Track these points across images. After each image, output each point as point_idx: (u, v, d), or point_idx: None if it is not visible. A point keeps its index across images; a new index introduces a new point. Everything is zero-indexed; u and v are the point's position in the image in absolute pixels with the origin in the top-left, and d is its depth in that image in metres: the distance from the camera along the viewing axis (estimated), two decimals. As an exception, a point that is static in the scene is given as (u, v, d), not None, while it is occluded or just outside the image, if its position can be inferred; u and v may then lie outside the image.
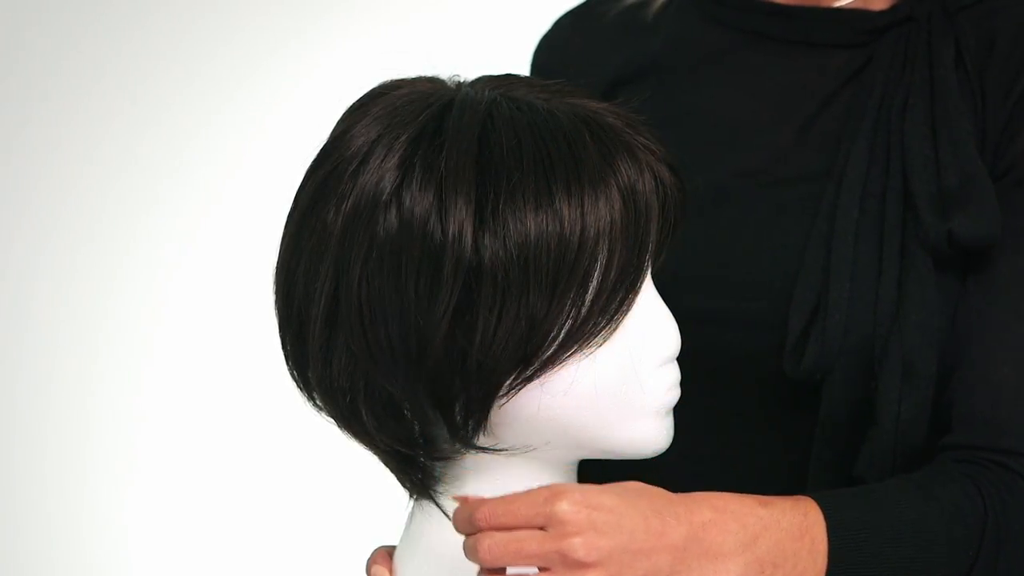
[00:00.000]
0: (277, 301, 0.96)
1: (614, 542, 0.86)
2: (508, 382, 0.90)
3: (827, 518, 0.94)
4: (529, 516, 0.86)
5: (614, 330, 0.91)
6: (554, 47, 1.28)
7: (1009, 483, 0.99)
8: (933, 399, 1.04)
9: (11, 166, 2.40)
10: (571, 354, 0.90)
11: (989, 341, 1.03)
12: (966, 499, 0.98)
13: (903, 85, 1.08)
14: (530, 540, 0.85)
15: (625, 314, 0.91)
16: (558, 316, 0.89)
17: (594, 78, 1.19)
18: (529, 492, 0.86)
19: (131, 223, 2.42)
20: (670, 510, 0.89)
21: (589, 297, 0.89)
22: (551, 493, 0.86)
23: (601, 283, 0.90)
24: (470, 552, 0.86)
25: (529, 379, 0.90)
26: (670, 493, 0.90)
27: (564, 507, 0.85)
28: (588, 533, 0.85)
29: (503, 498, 0.86)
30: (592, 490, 0.87)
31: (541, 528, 0.85)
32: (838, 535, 0.94)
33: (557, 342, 0.89)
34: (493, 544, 0.85)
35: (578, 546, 0.85)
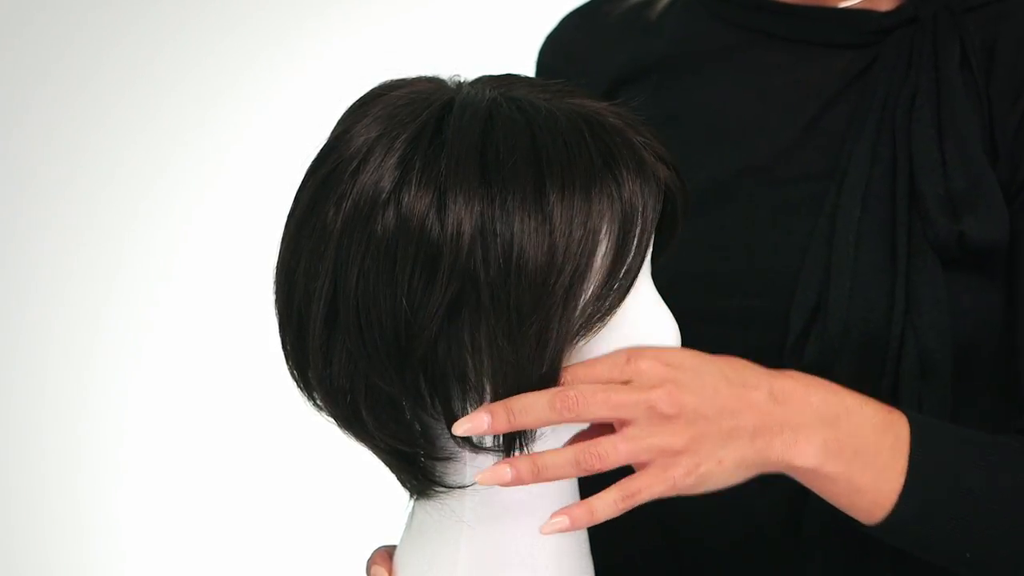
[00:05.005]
0: (277, 301, 0.96)
1: (698, 398, 0.87)
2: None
3: (911, 420, 0.94)
4: (612, 375, 0.87)
5: (603, 326, 0.91)
6: (559, 46, 1.28)
7: None
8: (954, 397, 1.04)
9: (7, 165, 2.40)
10: (567, 351, 0.90)
11: None
12: None
13: (908, 86, 1.08)
14: (617, 390, 0.87)
15: (612, 313, 0.91)
16: (548, 314, 0.89)
17: (598, 76, 1.20)
18: (608, 355, 0.89)
19: (128, 222, 2.42)
20: (750, 373, 0.90)
21: (585, 296, 0.89)
22: (630, 353, 0.88)
23: (598, 283, 0.90)
24: (548, 406, 0.86)
25: (539, 382, 0.89)
26: (747, 361, 0.92)
27: (646, 364, 0.87)
28: (671, 387, 0.87)
29: (583, 362, 0.88)
30: (670, 351, 0.89)
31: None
32: (921, 436, 0.94)
33: (548, 346, 0.89)
34: (579, 394, 0.86)
35: (663, 397, 0.86)
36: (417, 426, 0.94)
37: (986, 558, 0.96)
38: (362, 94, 0.96)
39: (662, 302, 0.95)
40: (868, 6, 1.12)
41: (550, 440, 0.93)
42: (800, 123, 1.11)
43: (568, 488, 0.98)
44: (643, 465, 0.88)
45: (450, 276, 0.87)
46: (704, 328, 1.07)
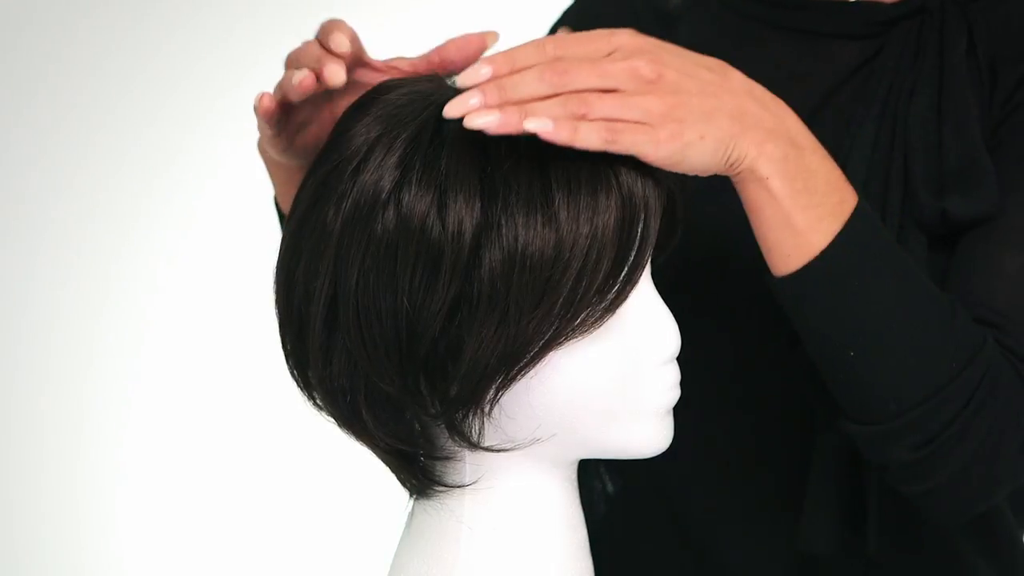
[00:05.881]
0: (277, 301, 0.96)
1: (678, 73, 0.89)
2: (499, 379, 0.89)
3: (860, 200, 0.95)
4: (596, 48, 0.89)
5: (601, 324, 0.91)
6: (588, 9, 1.30)
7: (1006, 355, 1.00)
8: None
9: (6, 164, 2.40)
10: (556, 347, 0.90)
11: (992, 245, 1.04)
12: (974, 325, 0.99)
13: (913, 71, 1.09)
14: (602, 60, 0.88)
15: (612, 312, 0.91)
16: (551, 313, 0.88)
17: None
18: (589, 32, 0.91)
19: (129, 222, 2.42)
20: (732, 72, 0.93)
21: (588, 295, 0.89)
22: (611, 30, 0.90)
23: (599, 285, 0.90)
24: (538, 78, 0.86)
25: (522, 371, 0.89)
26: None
27: (626, 37, 0.89)
28: (651, 56, 0.89)
29: (568, 37, 0.89)
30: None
31: None
32: (865, 215, 0.95)
33: (543, 339, 0.89)
34: (568, 64, 0.87)
35: (644, 63, 0.88)
36: (417, 425, 0.94)
37: (865, 364, 0.96)
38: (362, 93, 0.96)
39: (661, 300, 0.95)
40: None
41: (549, 445, 0.93)
42: (805, 111, 1.12)
43: (568, 485, 0.98)
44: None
45: (452, 276, 0.87)
46: (710, 314, 1.09)
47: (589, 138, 0.85)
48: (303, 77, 0.91)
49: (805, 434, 1.10)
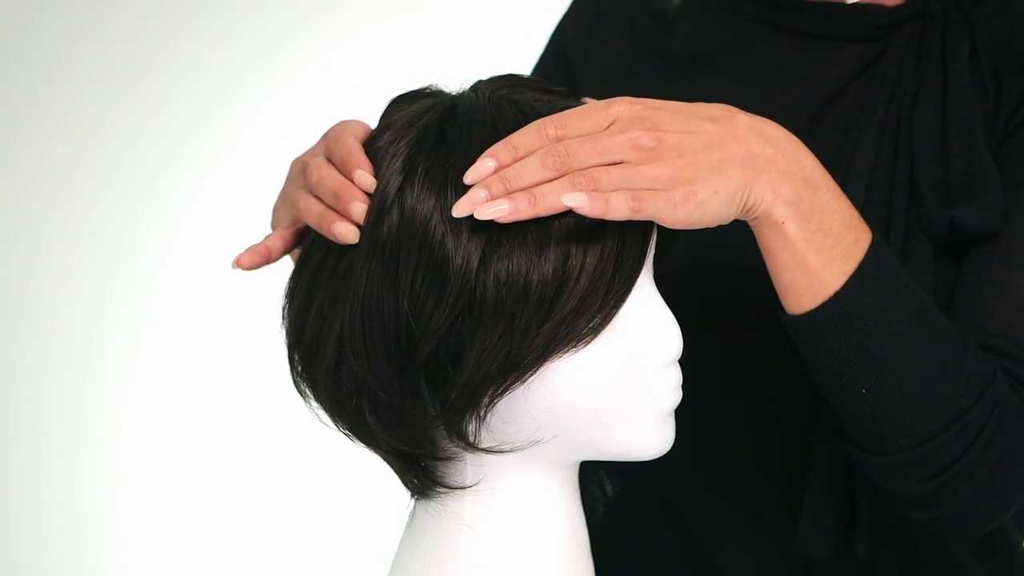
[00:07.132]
0: (288, 307, 0.96)
1: (679, 134, 0.89)
2: (496, 386, 0.89)
3: (874, 236, 0.95)
4: (594, 125, 0.89)
5: (599, 333, 0.91)
6: (586, 12, 1.30)
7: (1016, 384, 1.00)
8: None
9: (6, 164, 2.40)
10: (555, 357, 0.90)
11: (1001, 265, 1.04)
12: (984, 359, 0.98)
13: (916, 77, 1.09)
14: (601, 135, 0.88)
15: (608, 321, 0.91)
16: (552, 331, 0.88)
17: (614, 51, 1.22)
18: (584, 106, 0.90)
19: (125, 223, 2.42)
20: (742, 116, 0.91)
21: (589, 312, 0.89)
22: (607, 101, 0.90)
23: (601, 302, 0.90)
24: (540, 165, 0.86)
25: (520, 379, 0.89)
26: (741, 111, 0.93)
27: (623, 107, 0.89)
28: (649, 124, 0.88)
29: (563, 117, 0.89)
30: (649, 99, 0.91)
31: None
32: (878, 254, 0.95)
33: (545, 350, 0.89)
34: (567, 146, 0.87)
35: (642, 133, 0.88)
36: (419, 427, 0.94)
37: (878, 400, 0.96)
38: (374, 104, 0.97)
39: (664, 303, 0.95)
40: (875, 0, 1.13)
41: (550, 446, 0.93)
42: (808, 114, 1.12)
43: (569, 487, 0.98)
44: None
45: (459, 283, 0.87)
46: (719, 314, 1.09)
47: (619, 209, 0.86)
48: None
49: (803, 439, 1.10)
